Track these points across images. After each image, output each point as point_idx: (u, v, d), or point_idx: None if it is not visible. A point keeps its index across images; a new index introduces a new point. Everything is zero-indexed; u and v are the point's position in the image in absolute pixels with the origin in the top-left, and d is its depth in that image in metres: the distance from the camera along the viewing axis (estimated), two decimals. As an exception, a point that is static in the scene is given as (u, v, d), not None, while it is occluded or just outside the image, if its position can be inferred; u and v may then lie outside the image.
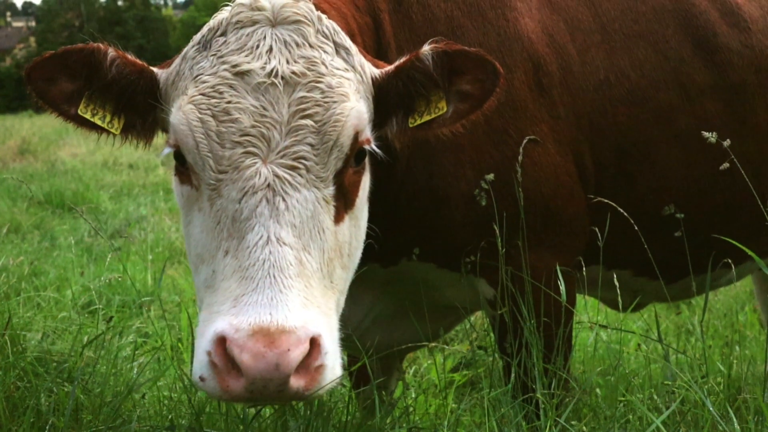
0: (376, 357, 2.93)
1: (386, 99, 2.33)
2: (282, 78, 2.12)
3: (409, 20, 2.85)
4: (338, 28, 2.30)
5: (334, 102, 2.13)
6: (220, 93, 2.11)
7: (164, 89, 2.31)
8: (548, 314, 2.84)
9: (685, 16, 3.16)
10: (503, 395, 2.68)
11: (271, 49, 2.17)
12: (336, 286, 2.12)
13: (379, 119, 2.34)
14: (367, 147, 2.21)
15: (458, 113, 2.33)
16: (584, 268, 2.91)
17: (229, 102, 2.10)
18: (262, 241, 1.99)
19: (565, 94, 2.96)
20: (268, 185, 2.05)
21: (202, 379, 1.88)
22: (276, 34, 2.20)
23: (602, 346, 4.32)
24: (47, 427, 2.51)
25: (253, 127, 2.08)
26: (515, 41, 2.91)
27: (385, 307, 3.08)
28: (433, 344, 3.64)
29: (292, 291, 1.93)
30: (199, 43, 2.25)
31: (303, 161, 2.08)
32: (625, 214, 2.81)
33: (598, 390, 3.10)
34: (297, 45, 2.19)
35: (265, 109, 2.09)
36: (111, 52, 2.31)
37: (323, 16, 2.28)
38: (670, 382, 2.76)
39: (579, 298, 3.59)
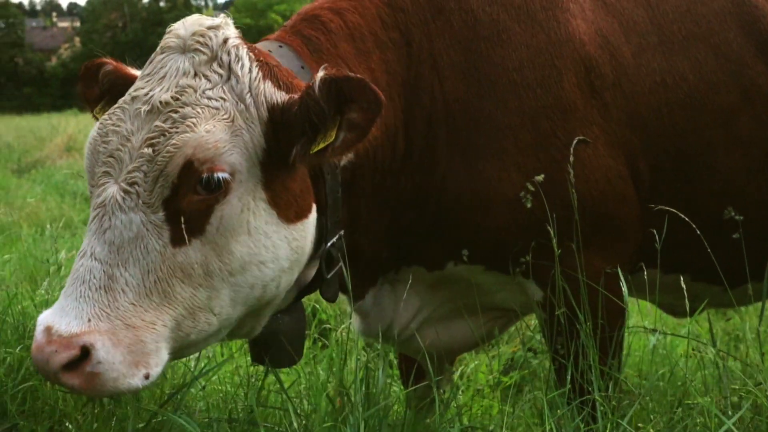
0: (416, 358, 2.95)
1: (287, 125, 2.35)
2: (151, 106, 2.26)
3: (450, 27, 2.85)
4: (244, 56, 2.36)
5: (176, 132, 2.22)
6: (113, 115, 2.32)
7: None
8: (600, 316, 2.83)
9: (747, 19, 3.11)
10: (560, 397, 2.66)
11: (164, 77, 2.32)
12: (180, 303, 2.23)
13: (281, 144, 2.36)
14: (208, 175, 2.22)
15: (346, 142, 2.32)
16: (644, 272, 2.88)
17: (112, 124, 2.29)
18: (82, 253, 2.19)
19: (619, 96, 2.93)
20: (104, 205, 2.20)
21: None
22: (178, 62, 2.34)
23: (655, 351, 4.28)
24: (113, 418, 2.56)
25: (117, 150, 2.24)
26: (566, 43, 2.89)
27: (434, 309, 3.09)
28: (486, 345, 3.63)
29: (85, 302, 2.13)
30: (148, 60, 2.44)
31: (135, 186, 2.20)
32: (687, 219, 2.77)
33: (647, 396, 3.07)
34: (184, 73, 2.32)
35: (131, 134, 2.25)
36: (106, 66, 2.59)
37: (232, 43, 2.37)
38: (736, 386, 2.73)
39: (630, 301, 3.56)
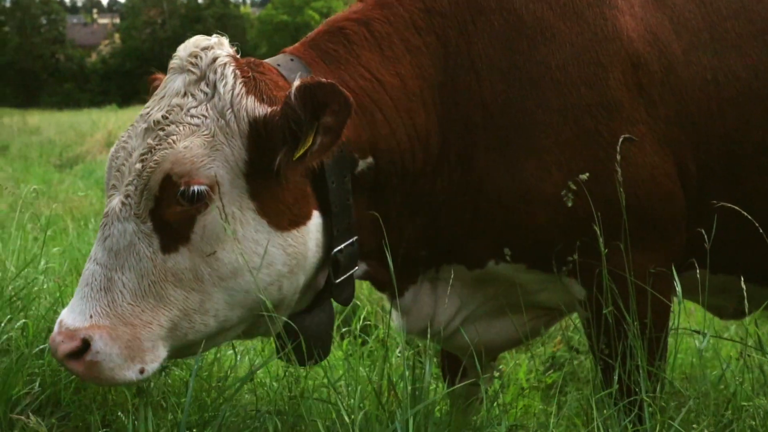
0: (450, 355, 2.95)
1: (270, 136, 2.44)
2: (147, 124, 2.45)
3: (490, 27, 2.84)
4: (229, 74, 2.49)
5: (159, 149, 2.39)
6: (126, 132, 2.52)
7: None
8: (644, 316, 2.81)
9: None
10: (608, 397, 2.65)
11: (164, 96, 2.50)
12: (173, 305, 2.40)
13: (265, 154, 2.45)
14: (185, 188, 2.37)
15: (322, 146, 2.41)
16: (692, 271, 2.85)
17: (123, 141, 2.50)
18: (90, 257, 2.44)
19: (667, 93, 2.90)
20: (107, 214, 2.43)
21: None
22: (176, 82, 2.51)
23: (702, 354, 4.24)
24: (168, 405, 2.61)
25: (122, 164, 2.45)
26: (613, 40, 2.86)
27: (477, 307, 3.09)
28: (528, 344, 3.62)
29: (88, 302, 2.37)
30: None
31: (129, 198, 2.40)
32: (751, 218, 2.73)
33: (697, 398, 3.04)
34: (176, 93, 2.49)
35: (133, 150, 2.45)
36: (155, 82, 2.70)
37: (220, 63, 2.49)
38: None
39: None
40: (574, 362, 4.84)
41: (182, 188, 2.37)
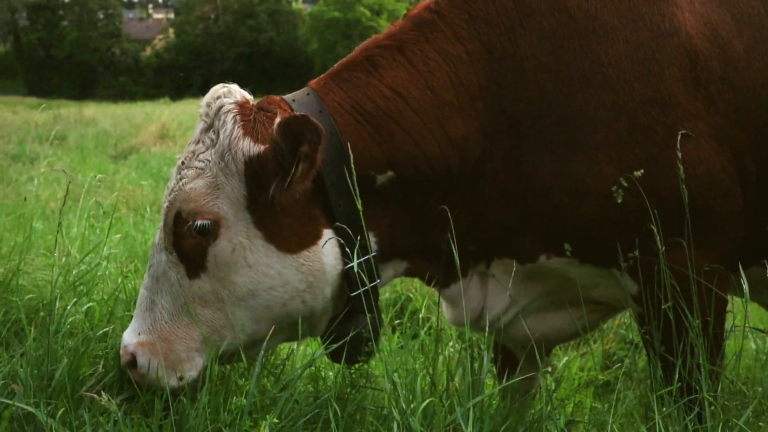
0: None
1: (264, 171, 2.68)
2: (177, 167, 2.79)
3: (539, 28, 2.84)
4: (229, 121, 2.74)
5: (175, 191, 2.74)
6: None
7: None
8: (701, 313, 2.77)
9: None
10: (668, 395, 2.63)
11: (189, 143, 2.82)
12: (204, 323, 2.75)
13: (261, 187, 2.69)
14: (200, 222, 2.69)
15: (303, 172, 2.61)
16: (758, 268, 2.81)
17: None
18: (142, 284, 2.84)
19: (727, 90, 2.86)
20: (154, 245, 2.85)
21: None
22: (197, 129, 2.82)
23: (753, 355, 4.17)
24: (233, 387, 2.67)
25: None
26: (670, 36, 2.83)
27: (530, 302, 3.08)
28: (584, 338, 3.59)
29: (137, 321, 2.80)
30: None
31: (161, 232, 2.79)
32: None
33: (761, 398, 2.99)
34: (194, 140, 2.80)
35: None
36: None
37: (224, 111, 2.76)
38: None
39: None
40: (626, 361, 4.80)
41: (190, 223, 2.71)
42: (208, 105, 2.79)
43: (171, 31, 71.51)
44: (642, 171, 2.69)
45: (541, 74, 2.82)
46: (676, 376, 2.69)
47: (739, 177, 2.87)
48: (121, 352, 2.75)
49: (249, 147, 2.71)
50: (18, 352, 2.97)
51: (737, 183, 2.87)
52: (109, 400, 2.40)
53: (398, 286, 5.60)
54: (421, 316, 5.15)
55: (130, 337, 2.76)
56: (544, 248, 2.91)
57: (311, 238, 2.76)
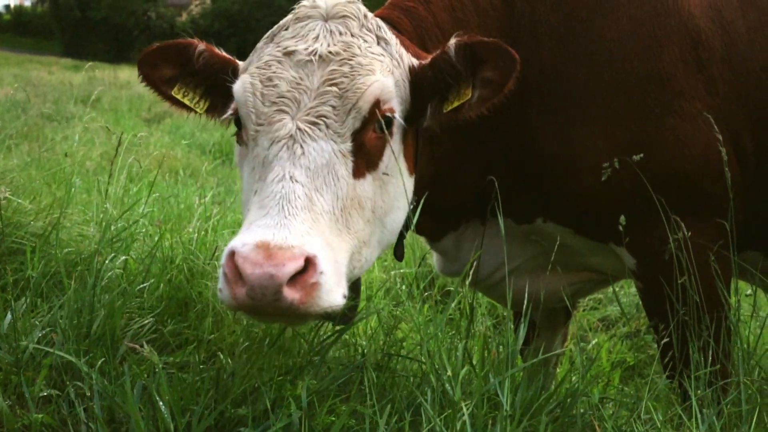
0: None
1: (422, 86, 2.58)
2: (319, 56, 2.46)
3: None
4: (382, 25, 2.60)
5: (360, 74, 2.44)
6: (269, 66, 2.49)
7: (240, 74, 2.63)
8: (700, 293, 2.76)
9: None
10: (699, 379, 2.61)
11: (317, 37, 2.51)
12: (354, 235, 2.38)
13: (418, 103, 2.59)
14: (389, 115, 2.47)
15: (482, 98, 2.52)
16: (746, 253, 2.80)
17: (274, 72, 2.47)
18: (278, 178, 2.31)
19: (727, 71, 2.85)
20: (291, 136, 2.38)
21: (220, 290, 2.18)
22: (325, 26, 2.54)
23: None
24: (269, 347, 2.69)
25: (288, 92, 2.43)
26: (672, 15, 2.85)
27: (525, 262, 3.13)
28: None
29: (296, 218, 2.21)
30: (267, 36, 2.62)
31: (323, 119, 2.40)
32: None
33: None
34: (340, 33, 2.52)
35: (301, 79, 2.44)
36: (200, 47, 2.71)
37: (369, 15, 2.60)
38: None
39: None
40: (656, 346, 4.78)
41: (387, 115, 2.46)
42: (345, 6, 2.58)
43: (207, -3, 71.39)
44: (641, 155, 2.69)
45: (553, 40, 2.86)
46: (709, 360, 2.67)
47: (737, 158, 2.85)
48: (276, 260, 2.07)
49: (408, 56, 2.62)
50: (57, 304, 3.01)
51: (735, 163, 2.85)
52: (151, 351, 2.43)
53: (429, 260, 5.60)
54: (451, 290, 5.14)
55: (291, 238, 2.14)
56: (542, 212, 2.96)
57: (415, 163, 2.67)
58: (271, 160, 2.36)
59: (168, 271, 3.42)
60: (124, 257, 3.48)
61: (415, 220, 2.62)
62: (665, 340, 2.78)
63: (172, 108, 2.79)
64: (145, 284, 3.30)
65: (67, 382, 2.54)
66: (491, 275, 3.13)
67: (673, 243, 2.72)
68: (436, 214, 2.96)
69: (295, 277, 2.09)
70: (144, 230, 4.03)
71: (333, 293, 2.18)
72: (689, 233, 2.73)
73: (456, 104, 2.54)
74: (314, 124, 2.39)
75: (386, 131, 2.47)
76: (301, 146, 2.36)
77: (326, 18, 2.56)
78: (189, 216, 4.75)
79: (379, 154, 2.47)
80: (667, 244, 2.74)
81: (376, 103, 2.44)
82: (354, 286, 2.76)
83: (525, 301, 2.80)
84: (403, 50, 2.61)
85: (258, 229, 2.18)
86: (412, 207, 2.65)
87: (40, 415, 2.36)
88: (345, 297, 2.24)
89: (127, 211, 4.00)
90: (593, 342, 4.81)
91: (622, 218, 2.76)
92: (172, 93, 2.73)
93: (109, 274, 3.27)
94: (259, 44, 2.63)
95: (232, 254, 2.12)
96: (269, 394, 2.43)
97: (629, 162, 2.69)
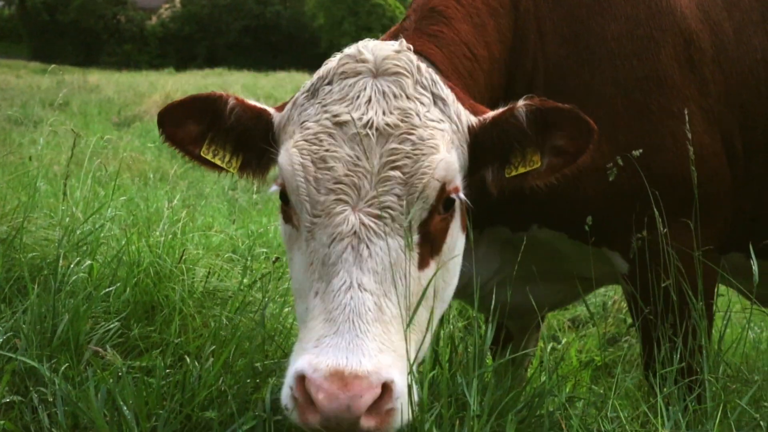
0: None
1: (482, 147, 2.37)
2: (376, 129, 2.20)
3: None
4: (437, 78, 2.35)
5: (423, 154, 2.19)
6: (320, 141, 2.21)
7: (277, 131, 2.42)
8: (684, 294, 2.77)
9: None
10: (669, 374, 2.63)
11: (369, 100, 2.25)
12: (418, 329, 2.19)
13: (475, 166, 2.39)
14: (454, 196, 2.26)
15: (552, 167, 2.35)
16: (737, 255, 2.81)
17: (327, 150, 2.20)
18: (345, 286, 2.08)
19: (717, 72, 2.88)
20: (355, 232, 2.12)
21: (286, 408, 2.03)
22: (376, 85, 2.28)
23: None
24: (235, 351, 2.66)
25: (346, 176, 2.17)
26: (666, 15, 2.86)
27: (515, 270, 3.07)
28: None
29: (368, 336, 2.01)
30: (308, 90, 2.36)
31: (389, 210, 2.15)
32: None
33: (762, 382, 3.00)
34: (395, 96, 2.26)
35: (358, 158, 2.18)
36: (231, 101, 2.44)
37: (423, 66, 2.35)
38: None
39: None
40: (625, 345, 4.82)
41: (452, 196, 2.25)
42: (396, 59, 2.31)
43: (177, 0, 71.02)
44: (640, 151, 2.68)
45: (557, 39, 2.84)
46: (677, 357, 2.69)
47: (728, 160, 2.88)
48: (354, 391, 1.90)
49: (467, 114, 2.38)
50: (20, 309, 2.97)
51: (726, 166, 2.88)
52: (114, 354, 2.39)
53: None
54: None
55: (365, 362, 1.95)
56: (537, 218, 2.92)
57: (466, 219, 2.45)
58: (334, 261, 2.11)
59: (135, 274, 3.39)
60: (89, 261, 3.44)
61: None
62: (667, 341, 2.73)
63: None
64: (111, 288, 3.26)
65: (31, 388, 2.50)
66: (484, 286, 3.05)
67: (669, 245, 2.70)
68: None
69: (375, 404, 1.94)
70: (110, 234, 3.99)
71: (407, 410, 2.03)
72: (683, 236, 2.74)
73: (522, 171, 2.36)
74: (379, 217, 2.14)
75: (449, 211, 2.27)
76: (368, 246, 2.12)
77: (376, 74, 2.30)
78: (157, 219, 4.71)
79: (443, 237, 2.27)
80: (660, 247, 2.71)
81: (443, 187, 2.21)
82: None
83: (492, 302, 2.80)
84: (460, 108, 2.38)
85: (329, 350, 1.98)
86: None
87: (2, 422, 2.32)
88: (417, 406, 2.11)
89: (94, 215, 3.96)
90: (563, 341, 4.83)
91: (589, 219, 2.75)
92: (201, 153, 2.46)
93: (74, 278, 3.23)
94: (299, 97, 2.37)
95: (302, 378, 1.96)
96: (235, 397, 2.42)
97: (630, 164, 2.65)
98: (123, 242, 3.69)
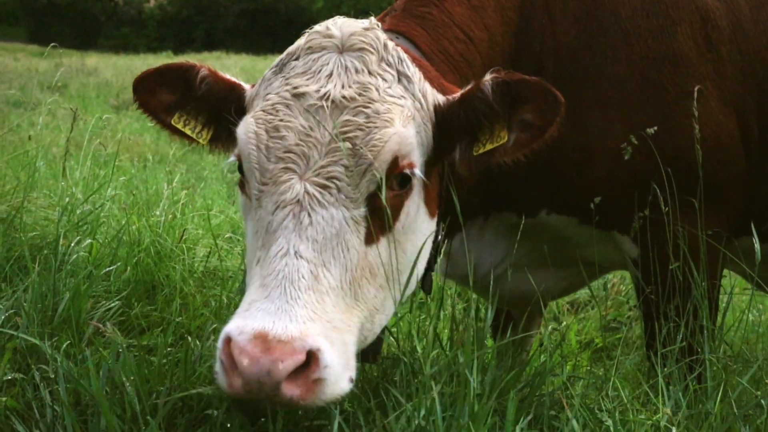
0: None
1: (450, 126, 2.33)
2: (332, 101, 2.19)
3: None
4: (404, 57, 2.32)
5: (377, 127, 2.17)
6: (277, 111, 2.21)
7: (247, 107, 2.40)
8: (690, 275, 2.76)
9: None
10: (671, 354, 2.64)
11: (331, 74, 2.24)
12: (364, 305, 2.15)
13: (444, 145, 2.35)
14: (408, 172, 2.22)
15: (519, 143, 2.30)
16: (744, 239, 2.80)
17: (281, 120, 2.19)
18: (282, 252, 2.06)
19: (734, 51, 2.85)
20: (298, 201, 2.11)
21: (216, 373, 2.01)
22: (340, 60, 2.26)
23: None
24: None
25: (296, 145, 2.16)
26: None
27: (522, 257, 3.06)
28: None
29: (298, 303, 1.99)
30: (276, 65, 2.35)
31: (335, 181, 2.13)
32: None
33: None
34: (356, 71, 2.25)
35: (311, 129, 2.17)
36: (203, 71, 2.43)
37: (390, 44, 2.33)
38: None
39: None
40: (624, 328, 4.83)
41: (406, 171, 2.22)
42: (362, 36, 2.30)
43: (175, -17, 70.58)
44: (654, 128, 2.65)
45: (567, 18, 2.79)
46: (680, 336, 2.69)
47: (742, 142, 2.86)
48: (275, 355, 1.88)
49: (433, 93, 2.35)
50: (21, 288, 2.96)
51: (741, 147, 2.85)
52: (114, 331, 2.39)
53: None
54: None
55: (291, 328, 1.93)
56: (546, 203, 2.89)
57: (438, 206, 2.41)
58: (275, 228, 2.11)
59: (135, 254, 3.39)
60: (89, 240, 3.44)
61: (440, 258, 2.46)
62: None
63: (173, 137, 2.51)
64: (111, 267, 3.26)
65: (32, 366, 2.50)
66: (489, 273, 3.04)
67: (681, 229, 2.68)
68: (444, 213, 2.87)
69: (297, 372, 1.91)
70: (110, 214, 3.98)
71: (339, 383, 1.99)
72: (695, 219, 2.72)
73: (489, 147, 2.31)
74: (324, 186, 2.13)
75: (405, 188, 2.23)
76: (309, 214, 2.10)
77: (342, 50, 2.29)
78: (157, 200, 4.70)
79: (396, 214, 2.22)
80: (670, 228, 2.70)
81: (394, 161, 2.18)
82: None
83: (491, 283, 2.79)
84: (427, 86, 2.34)
85: (257, 314, 1.98)
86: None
87: (4, 399, 2.32)
88: (353, 380, 2.05)
89: (93, 195, 3.95)
90: (563, 323, 4.84)
91: (597, 199, 2.73)
92: (172, 122, 2.46)
93: (75, 257, 3.23)
94: (267, 73, 2.36)
95: (228, 341, 1.95)
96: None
97: (643, 145, 2.62)
98: (123, 222, 3.69)
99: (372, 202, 2.17)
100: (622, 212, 2.80)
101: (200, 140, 2.48)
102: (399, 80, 2.28)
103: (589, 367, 3.99)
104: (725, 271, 3.26)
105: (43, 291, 2.85)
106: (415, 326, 2.74)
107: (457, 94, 2.36)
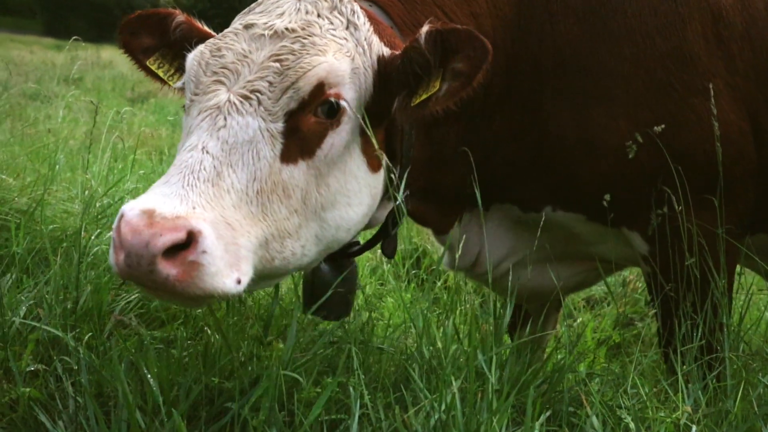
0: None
1: (391, 77, 2.41)
2: (275, 31, 2.32)
3: None
4: (357, 10, 2.44)
5: (309, 54, 2.28)
6: (224, 37, 2.37)
7: None
8: (705, 274, 2.76)
9: None
10: (690, 352, 2.63)
11: (283, 13, 2.37)
12: (273, 222, 2.20)
13: (385, 96, 2.42)
14: (334, 101, 2.30)
15: (450, 91, 2.35)
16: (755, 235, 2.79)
17: (225, 43, 2.34)
18: (190, 146, 2.16)
19: (747, 48, 2.83)
20: (218, 107, 2.22)
21: (110, 253, 2.06)
22: (296, 4, 2.40)
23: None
24: (253, 326, 2.68)
25: (232, 63, 2.29)
26: None
27: (531, 253, 3.04)
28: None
29: (193, 190, 2.04)
30: (242, 12, 2.49)
31: (257, 94, 2.24)
32: None
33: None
34: (307, 12, 2.38)
35: (249, 52, 2.30)
36: (179, 18, 2.60)
37: (347, 0, 2.44)
38: None
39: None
40: (638, 324, 4.81)
41: (332, 99, 2.30)
42: None
43: (190, -23, 70.69)
44: (662, 126, 2.65)
45: (569, 17, 2.77)
46: (698, 334, 2.69)
47: (754, 139, 2.84)
48: (155, 229, 1.92)
49: (380, 45, 2.45)
50: (42, 280, 2.99)
51: (753, 145, 2.84)
52: (138, 323, 2.41)
53: (415, 238, 5.60)
54: (439, 269, 5.14)
55: (179, 209, 1.99)
56: (551, 200, 2.88)
57: (380, 162, 2.47)
58: (193, 129, 2.20)
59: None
60: (110, 233, 3.46)
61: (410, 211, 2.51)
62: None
63: (154, 83, 2.70)
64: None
65: (54, 357, 2.52)
66: (496, 268, 3.04)
67: (691, 223, 2.68)
68: (440, 202, 2.86)
69: (176, 252, 1.95)
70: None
71: (220, 277, 2.01)
72: (705, 216, 2.72)
73: (424, 97, 2.37)
74: (246, 98, 2.23)
75: (331, 118, 2.31)
76: (225, 118, 2.20)
77: None
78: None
79: (318, 141, 2.30)
80: (681, 225, 2.70)
81: (320, 86, 2.28)
82: (350, 281, 2.74)
83: (510, 282, 2.79)
84: (374, 38, 2.45)
85: (152, 195, 2.04)
86: (405, 196, 2.52)
87: (28, 390, 2.34)
88: (240, 283, 2.07)
89: (112, 188, 3.97)
90: (579, 320, 4.83)
91: (607, 195, 2.73)
92: (147, 63, 2.63)
93: (95, 250, 3.25)
94: (235, 19, 2.50)
95: (121, 218, 2.00)
96: (254, 368, 2.43)
97: (652, 141, 2.63)
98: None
99: (291, 120, 2.25)
100: (632, 209, 2.79)
101: (170, 83, 2.62)
102: (347, 27, 2.40)
103: (606, 364, 3.99)
104: (740, 269, 3.25)
105: (65, 283, 2.87)
106: (434, 320, 2.75)
107: (399, 51, 2.45)
